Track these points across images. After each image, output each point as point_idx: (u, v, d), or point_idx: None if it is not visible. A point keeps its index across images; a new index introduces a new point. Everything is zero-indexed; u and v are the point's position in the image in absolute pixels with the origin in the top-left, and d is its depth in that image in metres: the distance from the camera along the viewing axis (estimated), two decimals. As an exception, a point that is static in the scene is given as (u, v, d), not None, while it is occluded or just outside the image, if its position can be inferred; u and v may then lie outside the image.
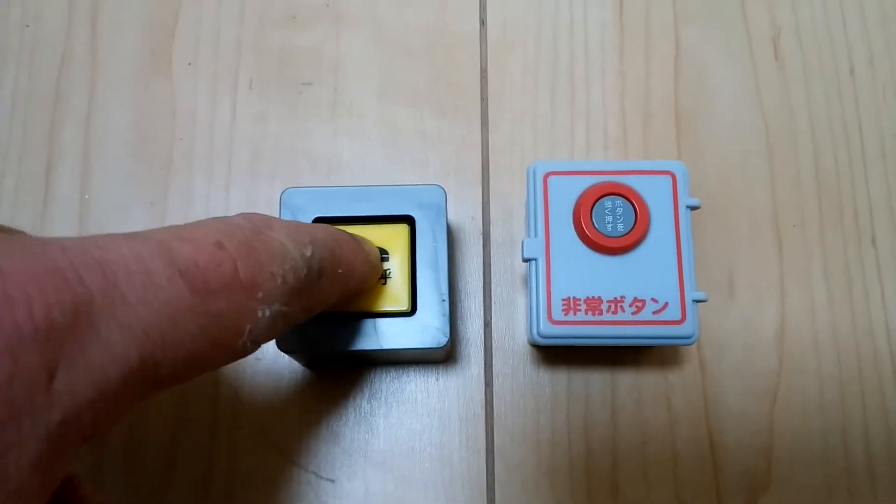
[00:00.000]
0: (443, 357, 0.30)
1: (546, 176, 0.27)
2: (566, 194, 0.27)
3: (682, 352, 0.30)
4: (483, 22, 0.33)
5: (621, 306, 0.26)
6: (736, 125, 0.32)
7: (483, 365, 0.30)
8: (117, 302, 0.14)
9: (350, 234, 0.24)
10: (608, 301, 0.26)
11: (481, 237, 0.31)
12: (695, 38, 0.33)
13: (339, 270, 0.22)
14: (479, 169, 0.32)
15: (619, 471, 0.29)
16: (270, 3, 0.34)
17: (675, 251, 0.26)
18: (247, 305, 0.17)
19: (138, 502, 0.29)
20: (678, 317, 0.26)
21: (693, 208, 0.26)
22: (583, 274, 0.26)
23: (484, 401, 0.30)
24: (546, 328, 0.26)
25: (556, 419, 0.29)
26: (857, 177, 0.32)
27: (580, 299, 0.26)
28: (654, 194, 0.26)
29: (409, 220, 0.27)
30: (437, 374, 0.30)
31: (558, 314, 0.26)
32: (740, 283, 0.31)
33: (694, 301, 0.26)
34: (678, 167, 0.27)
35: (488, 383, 0.30)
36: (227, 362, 0.18)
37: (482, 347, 0.30)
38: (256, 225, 0.19)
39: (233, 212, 0.31)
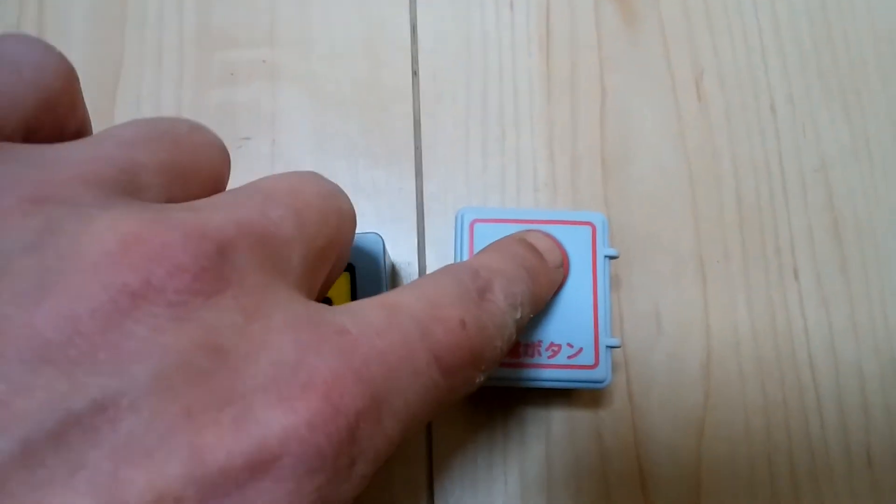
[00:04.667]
0: None
1: (473, 222, 0.28)
2: (491, 240, 0.28)
3: (611, 388, 0.31)
4: (415, 73, 0.35)
5: (538, 350, 0.27)
6: (660, 166, 0.34)
7: (421, 407, 0.31)
8: (393, 392, 0.14)
9: (539, 257, 0.25)
10: (525, 345, 0.27)
11: (418, 282, 0.32)
12: (620, 82, 0.35)
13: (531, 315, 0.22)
14: (415, 216, 0.33)
15: (553, 506, 0.30)
16: (209, 61, 0.35)
17: (592, 299, 0.27)
18: (472, 377, 0.18)
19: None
20: (591, 361, 0.27)
21: (611, 258, 0.28)
22: None
23: (425, 440, 0.31)
24: None
25: (492, 457, 0.30)
26: (779, 212, 0.33)
27: None
28: (575, 244, 0.28)
29: (349, 268, 0.28)
30: (377, 417, 0.31)
31: None
32: (666, 319, 0.32)
33: (608, 347, 0.27)
34: (598, 218, 0.28)
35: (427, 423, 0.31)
36: None
37: (420, 390, 0.31)
38: (482, 288, 0.19)
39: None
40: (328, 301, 0.28)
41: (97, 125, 0.34)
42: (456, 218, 0.28)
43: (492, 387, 0.30)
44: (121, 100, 0.34)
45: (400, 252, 0.33)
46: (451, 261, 0.32)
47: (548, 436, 0.31)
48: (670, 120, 0.34)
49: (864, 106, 0.35)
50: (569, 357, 0.27)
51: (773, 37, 0.36)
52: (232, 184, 0.33)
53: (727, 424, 0.31)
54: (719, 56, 0.35)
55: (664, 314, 0.32)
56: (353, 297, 0.28)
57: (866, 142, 0.35)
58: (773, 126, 0.35)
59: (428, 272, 0.32)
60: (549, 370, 0.27)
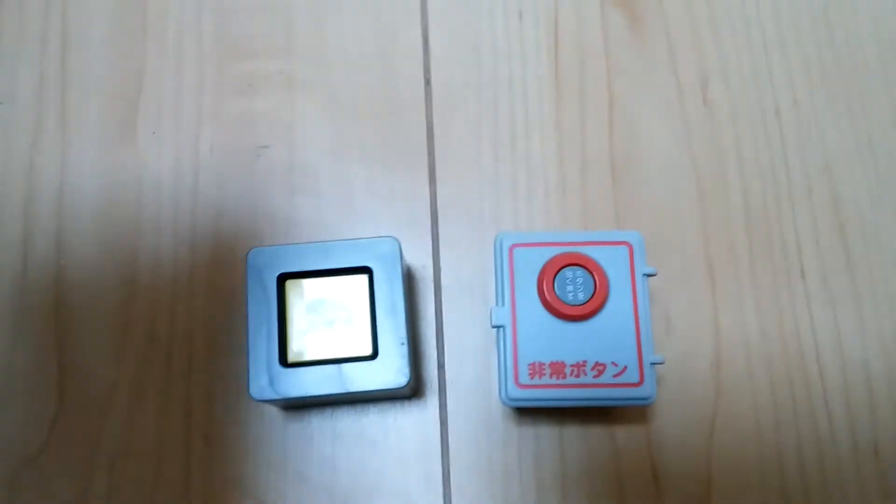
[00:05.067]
0: (408, 394, 0.32)
1: (511, 247, 0.29)
2: (531, 264, 0.28)
3: (623, 386, 0.32)
4: (428, 82, 0.36)
5: (584, 370, 0.28)
6: (668, 169, 0.35)
7: (438, 405, 0.32)
8: None
9: None
10: (571, 365, 0.28)
11: (432, 284, 0.33)
12: (627, 89, 0.36)
13: None
14: (429, 220, 0.34)
15: (567, 501, 0.31)
16: (227, 71, 0.36)
17: (633, 317, 0.28)
18: None
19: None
20: (636, 379, 0.27)
21: (649, 276, 0.28)
22: (547, 340, 0.28)
23: (440, 438, 0.32)
24: (513, 392, 0.27)
25: (507, 454, 0.31)
26: (785, 213, 0.34)
27: (545, 364, 0.28)
28: (613, 263, 0.28)
29: (367, 271, 0.29)
30: (395, 414, 0.32)
31: (525, 378, 0.28)
32: (676, 320, 0.33)
33: (651, 364, 0.27)
34: (635, 237, 0.29)
35: (443, 422, 0.32)
36: None
37: (437, 388, 0.32)
38: None
39: (200, 276, 0.33)
40: (347, 302, 0.29)
41: (120, 134, 0.35)
42: (495, 243, 0.29)
43: (541, 408, 0.31)
44: (143, 109, 0.35)
45: (415, 255, 0.33)
46: (468, 262, 0.33)
47: (561, 433, 0.31)
48: (677, 124, 0.35)
49: (867, 108, 0.36)
50: (614, 376, 0.27)
51: (776, 41, 0.37)
52: (251, 193, 0.34)
53: (737, 421, 0.32)
54: (724, 61, 0.36)
55: (674, 314, 0.33)
56: (372, 299, 0.29)
57: (870, 143, 0.35)
58: (777, 129, 0.35)
59: (442, 275, 0.33)
60: (595, 389, 0.27)
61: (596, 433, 0.31)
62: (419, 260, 0.34)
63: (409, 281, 0.33)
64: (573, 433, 0.31)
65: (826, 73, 0.36)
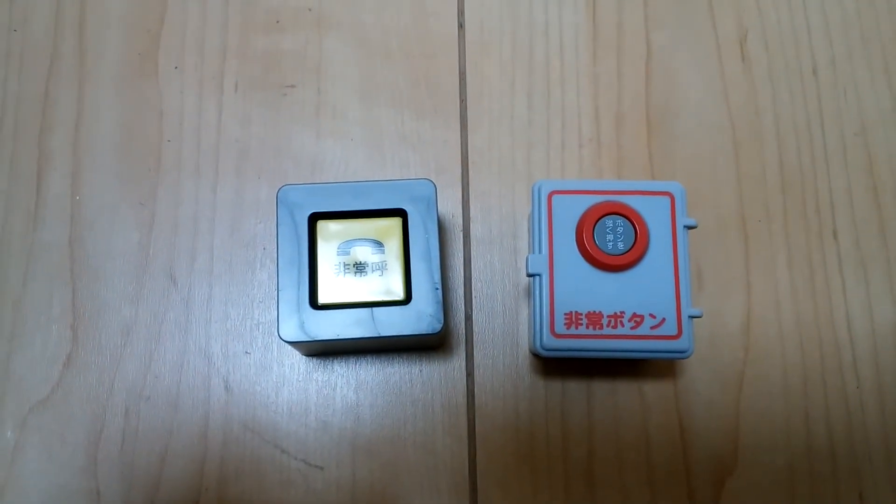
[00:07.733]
0: (437, 343, 0.31)
1: (550, 194, 0.28)
2: (569, 212, 0.28)
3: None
4: (461, 25, 0.35)
5: (621, 321, 0.27)
6: (704, 124, 0.34)
7: (465, 356, 0.31)
8: None
9: None
10: (608, 316, 0.27)
11: (462, 234, 0.32)
12: (665, 41, 0.35)
13: None
14: (459, 168, 0.33)
15: (594, 455, 0.30)
16: (254, 7, 0.34)
17: (673, 269, 0.27)
18: None
19: (132, 495, 0.30)
20: (674, 332, 0.27)
21: (690, 228, 0.28)
22: (584, 289, 0.27)
23: (466, 390, 0.31)
24: (549, 341, 0.27)
25: (534, 407, 0.31)
26: (820, 173, 0.34)
27: (582, 314, 0.27)
28: (654, 214, 0.28)
29: (401, 213, 0.28)
30: (421, 365, 0.31)
31: (561, 328, 0.27)
32: (708, 276, 0.32)
33: (690, 317, 0.27)
34: (676, 188, 0.28)
35: (469, 373, 0.31)
36: None
37: (463, 339, 0.31)
38: None
39: (221, 211, 0.32)
40: (380, 245, 0.28)
41: (141, 67, 0.34)
42: (533, 190, 0.28)
43: (569, 362, 0.31)
44: (165, 42, 0.34)
45: (444, 204, 0.33)
46: (499, 213, 0.33)
47: (589, 388, 0.31)
48: (714, 78, 0.34)
49: (902, 72, 0.35)
50: (651, 328, 0.27)
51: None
52: (276, 132, 0.33)
53: (765, 381, 0.31)
54: (763, 17, 0.35)
55: (705, 270, 0.32)
56: (406, 242, 0.28)
57: (903, 108, 0.35)
58: (814, 89, 0.35)
59: (472, 225, 0.33)
60: (632, 341, 0.27)
61: (624, 388, 0.31)
62: (448, 209, 0.33)
63: (439, 229, 0.32)
64: (601, 387, 0.31)
65: (865, 34, 0.35)
